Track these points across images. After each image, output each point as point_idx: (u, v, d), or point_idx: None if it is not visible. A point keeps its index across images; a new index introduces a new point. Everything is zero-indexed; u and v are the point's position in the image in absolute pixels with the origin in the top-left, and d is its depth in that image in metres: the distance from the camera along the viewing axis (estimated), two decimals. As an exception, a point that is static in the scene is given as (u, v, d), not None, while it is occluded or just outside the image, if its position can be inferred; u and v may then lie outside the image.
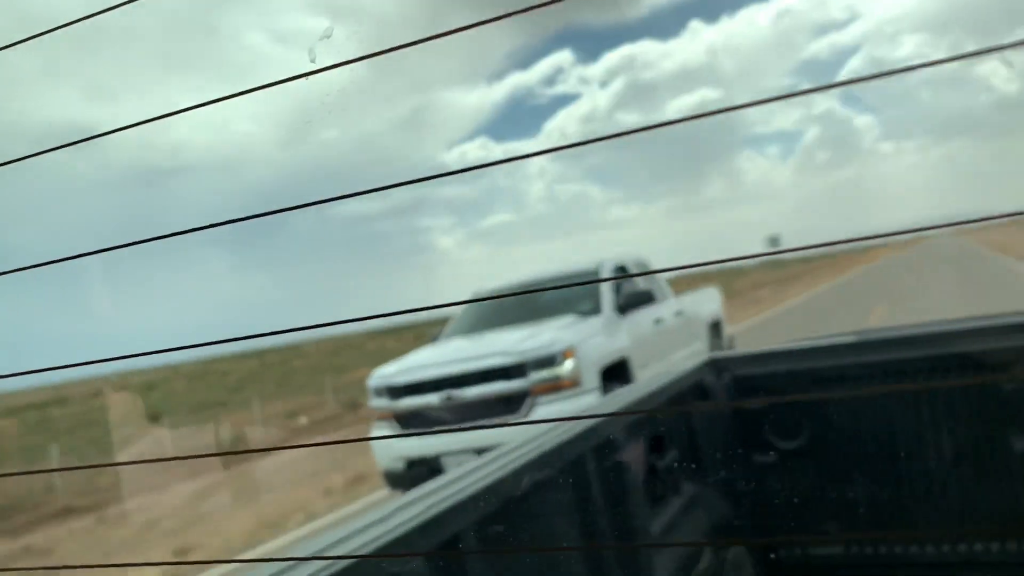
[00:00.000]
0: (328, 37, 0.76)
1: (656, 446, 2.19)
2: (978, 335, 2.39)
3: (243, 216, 0.82)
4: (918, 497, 2.29)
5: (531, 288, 7.84)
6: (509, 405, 6.44)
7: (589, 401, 6.37)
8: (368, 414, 7.84)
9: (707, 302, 9.91)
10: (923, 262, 35.63)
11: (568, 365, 6.44)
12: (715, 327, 9.82)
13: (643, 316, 7.82)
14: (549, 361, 6.46)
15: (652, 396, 2.30)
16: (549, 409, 6.29)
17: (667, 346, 8.08)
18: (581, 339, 6.69)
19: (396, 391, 6.83)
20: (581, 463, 1.86)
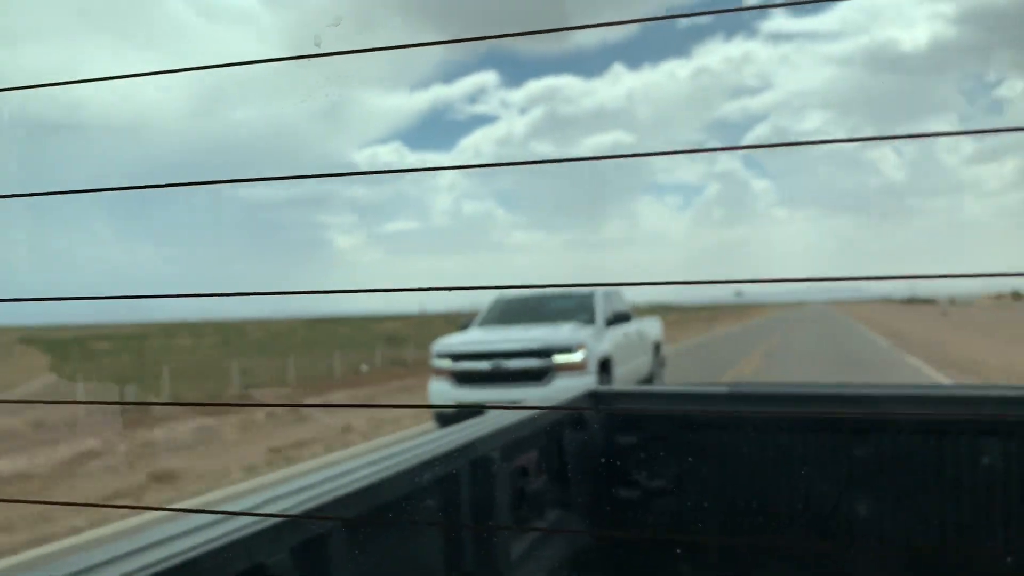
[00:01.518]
0: (336, 26, 0.75)
1: (529, 468, 2.25)
2: (839, 400, 2.55)
3: (145, 184, 0.78)
4: (762, 548, 2.35)
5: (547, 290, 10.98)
6: (538, 376, 9.47)
7: (591, 380, 9.46)
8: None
9: (653, 328, 13.25)
10: (803, 319, 52.61)
11: (581, 354, 9.54)
12: (657, 347, 13.17)
13: (619, 330, 11.02)
14: (568, 349, 9.55)
15: (531, 421, 2.34)
16: (565, 382, 9.33)
17: (630, 355, 11.30)
18: (588, 338, 9.80)
19: (456, 356, 9.76)
20: (455, 477, 1.91)
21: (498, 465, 2.06)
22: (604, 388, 2.90)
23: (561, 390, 8.79)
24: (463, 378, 9.74)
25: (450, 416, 9.91)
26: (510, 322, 10.79)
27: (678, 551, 2.35)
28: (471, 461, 1.97)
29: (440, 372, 9.94)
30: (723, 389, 2.74)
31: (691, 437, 2.55)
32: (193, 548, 1.19)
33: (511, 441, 2.16)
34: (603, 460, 2.58)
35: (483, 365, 9.65)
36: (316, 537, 1.42)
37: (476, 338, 10.15)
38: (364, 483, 1.58)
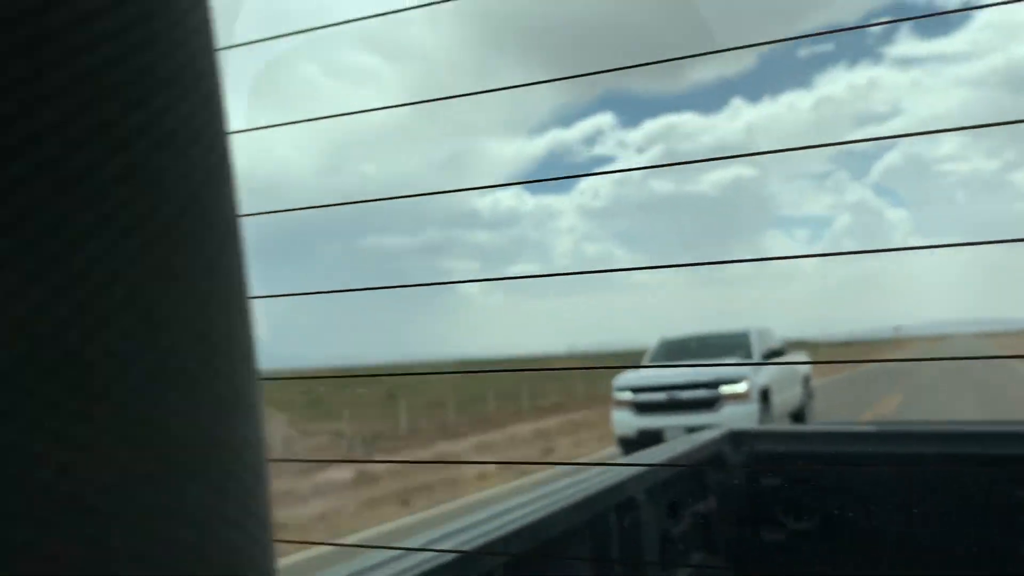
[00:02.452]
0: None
1: (671, 511, 2.32)
2: (993, 439, 2.54)
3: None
4: None
5: (710, 338, 12.62)
6: (709, 404, 11.08)
7: (754, 408, 10.96)
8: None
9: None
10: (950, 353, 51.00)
11: (745, 384, 11.09)
12: (806, 379, 14.47)
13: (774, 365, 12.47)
14: (733, 381, 11.12)
15: (672, 463, 2.41)
16: (733, 409, 10.86)
17: (785, 386, 12.71)
18: (749, 371, 11.34)
19: (636, 389, 11.52)
20: (604, 518, 2.00)
21: (651, 505, 2.15)
22: (745, 429, 2.95)
23: (729, 416, 10.37)
24: (642, 408, 11.47)
25: (632, 441, 11.64)
26: (679, 359, 12.46)
27: None
28: (623, 500, 2.05)
29: (621, 403, 11.71)
30: (870, 428, 2.78)
31: (837, 477, 2.56)
32: None
33: (663, 480, 2.27)
34: (745, 503, 2.61)
35: (659, 396, 11.36)
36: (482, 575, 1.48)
37: (652, 374, 11.88)
38: (531, 519, 1.63)
